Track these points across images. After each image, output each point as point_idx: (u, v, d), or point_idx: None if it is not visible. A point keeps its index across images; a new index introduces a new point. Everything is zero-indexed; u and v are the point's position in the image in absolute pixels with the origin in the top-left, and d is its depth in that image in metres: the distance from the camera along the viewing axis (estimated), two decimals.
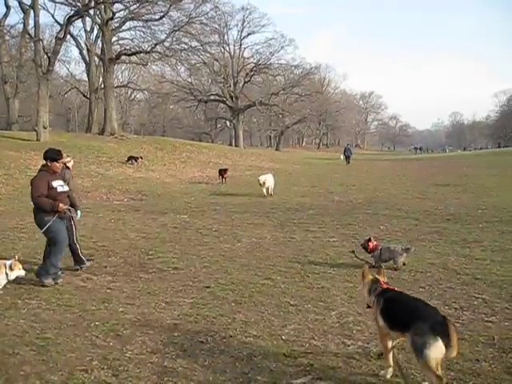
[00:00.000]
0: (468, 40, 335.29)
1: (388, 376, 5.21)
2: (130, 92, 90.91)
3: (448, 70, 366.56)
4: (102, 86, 51.38)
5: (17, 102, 50.54)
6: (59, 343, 6.13)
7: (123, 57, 51.99)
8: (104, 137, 45.02)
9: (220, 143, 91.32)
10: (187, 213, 17.31)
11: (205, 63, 69.23)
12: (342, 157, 56.26)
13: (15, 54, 52.65)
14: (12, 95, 49.28)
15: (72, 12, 43.37)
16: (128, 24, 51.73)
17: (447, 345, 4.50)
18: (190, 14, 50.80)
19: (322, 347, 6.00)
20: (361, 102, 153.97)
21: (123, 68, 78.90)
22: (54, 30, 54.73)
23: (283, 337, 6.31)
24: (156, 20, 49.71)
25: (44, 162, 9.17)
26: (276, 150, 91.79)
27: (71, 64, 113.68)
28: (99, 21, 47.59)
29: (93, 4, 43.50)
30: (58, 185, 8.86)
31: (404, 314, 4.95)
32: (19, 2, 44.32)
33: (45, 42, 49.84)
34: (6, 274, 8.06)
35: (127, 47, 53.45)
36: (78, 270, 9.64)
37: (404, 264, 9.55)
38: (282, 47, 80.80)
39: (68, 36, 46.12)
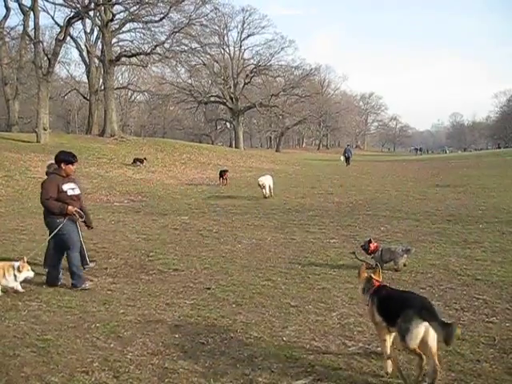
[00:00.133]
0: (468, 40, 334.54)
1: (389, 370, 5.27)
2: (130, 93, 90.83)
3: (448, 71, 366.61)
4: (102, 87, 51.39)
5: (17, 104, 50.57)
6: (60, 345, 6.12)
7: (123, 58, 52.00)
8: (104, 138, 45.04)
9: (220, 145, 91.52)
10: (188, 214, 17.32)
11: (205, 65, 69.27)
12: (342, 158, 56.22)
13: (15, 56, 52.65)
14: (12, 97, 49.32)
15: (72, 14, 43.38)
16: (128, 25, 51.80)
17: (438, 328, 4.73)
18: (190, 15, 50.80)
19: (322, 348, 6.00)
20: (361, 103, 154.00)
21: (123, 69, 78.94)
22: (53, 31, 54.83)
23: (284, 338, 6.31)
24: (156, 21, 49.73)
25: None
26: (276, 151, 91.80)
27: (71, 66, 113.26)
28: (99, 22, 47.61)
29: (93, 6, 43.57)
30: (69, 188, 8.79)
31: (396, 307, 5.13)
32: (19, 4, 44.39)
33: (45, 43, 49.85)
34: (15, 275, 8.08)
35: (127, 49, 53.44)
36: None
37: (405, 265, 9.55)
38: (282, 48, 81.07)
39: (68, 38, 46.14)
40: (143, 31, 52.17)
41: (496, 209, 16.84)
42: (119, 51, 52.29)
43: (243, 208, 18.71)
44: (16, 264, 8.17)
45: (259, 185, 21.38)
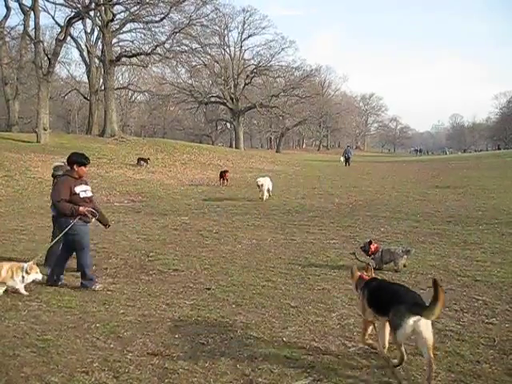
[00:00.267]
0: (468, 41, 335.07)
1: (367, 341, 5.91)
2: (130, 94, 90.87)
3: (448, 72, 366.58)
4: (103, 87, 51.38)
5: (17, 104, 50.57)
6: (60, 345, 6.12)
7: (123, 58, 52.02)
8: (104, 138, 45.05)
9: (220, 145, 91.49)
10: (188, 214, 17.32)
11: (205, 65, 69.31)
12: (342, 159, 56.23)
13: (15, 56, 52.67)
14: (12, 97, 49.32)
15: (72, 14, 43.35)
16: (128, 26, 51.83)
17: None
18: (191, 15, 50.81)
19: (322, 349, 6.00)
20: (361, 104, 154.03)
21: (123, 70, 79.02)
22: (54, 31, 54.91)
23: (284, 338, 6.31)
24: (156, 22, 49.75)
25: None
26: (276, 151, 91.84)
27: (71, 66, 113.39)
28: (99, 22, 47.61)
29: (93, 6, 43.55)
30: (81, 190, 8.76)
31: (386, 299, 5.48)
32: (19, 4, 44.36)
33: (45, 43, 49.85)
34: (23, 276, 8.07)
35: (127, 49, 53.45)
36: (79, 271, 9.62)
37: (404, 266, 9.57)
38: (282, 49, 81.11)
39: (68, 38, 46.12)
40: (144, 31, 52.25)
41: (496, 210, 16.86)
42: (119, 51, 52.31)
43: (243, 208, 18.71)
44: (25, 265, 8.16)
45: (258, 185, 21.14)
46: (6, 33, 48.84)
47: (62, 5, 45.70)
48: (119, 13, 49.16)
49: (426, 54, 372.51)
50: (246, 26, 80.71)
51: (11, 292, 8.13)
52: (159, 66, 60.57)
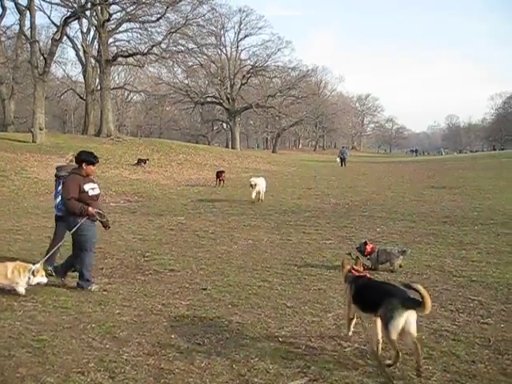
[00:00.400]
0: (464, 43, 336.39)
1: (349, 333, 6.28)
2: (126, 94, 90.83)
3: (445, 73, 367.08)
4: (99, 87, 51.41)
5: (13, 104, 50.57)
6: (55, 345, 6.11)
7: (120, 58, 52.03)
8: (100, 138, 45.01)
9: (217, 145, 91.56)
10: (184, 215, 17.31)
11: (201, 65, 69.20)
12: (338, 159, 56.28)
13: (11, 56, 52.58)
14: (8, 96, 49.32)
15: (68, 13, 43.31)
16: (125, 25, 51.79)
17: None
18: (187, 15, 50.82)
19: (318, 349, 6.00)
20: (357, 105, 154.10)
21: (120, 69, 78.88)
22: (50, 31, 54.90)
23: (280, 338, 6.31)
24: (153, 22, 49.72)
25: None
26: (273, 152, 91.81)
27: (67, 65, 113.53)
28: (96, 22, 47.57)
29: (89, 5, 43.55)
30: (90, 188, 8.77)
31: (374, 296, 5.65)
32: (15, 3, 44.35)
33: (41, 43, 49.75)
34: (29, 278, 8.04)
35: (124, 49, 53.39)
36: (75, 271, 9.60)
37: (400, 266, 9.59)
38: (278, 49, 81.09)
39: (64, 37, 46.11)
40: (140, 31, 52.20)
41: (491, 210, 16.89)
42: (116, 51, 52.32)
43: (239, 209, 18.71)
44: (32, 267, 8.13)
45: (251, 185, 20.52)
46: (1, 32, 48.97)
47: (58, 4, 45.78)
48: (115, 12, 49.17)
49: (422, 54, 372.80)
50: (242, 26, 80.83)
51: (7, 292, 8.11)
52: (155, 66, 60.69)
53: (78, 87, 72.35)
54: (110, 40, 51.49)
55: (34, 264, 8.32)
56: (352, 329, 6.27)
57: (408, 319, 5.25)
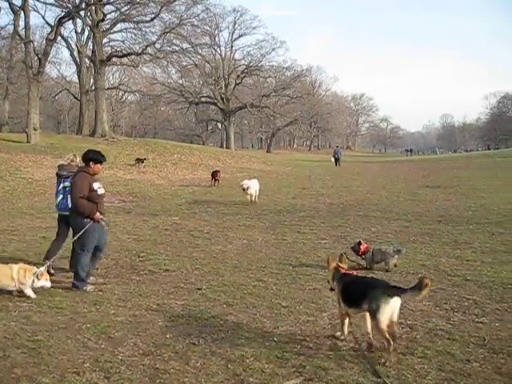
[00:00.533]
0: (458, 42, 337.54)
1: (342, 337, 6.21)
2: (120, 94, 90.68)
3: (439, 72, 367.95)
4: (93, 87, 51.32)
5: (7, 104, 50.45)
6: (51, 346, 6.11)
7: (114, 58, 51.91)
8: (95, 139, 44.88)
9: (211, 145, 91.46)
10: (178, 215, 17.30)
11: (196, 65, 69.10)
12: (332, 159, 56.32)
13: (5, 56, 52.41)
14: (2, 97, 49.24)
15: (63, 13, 43.24)
16: (119, 26, 51.66)
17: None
18: (181, 15, 50.72)
19: (313, 348, 6.01)
20: (352, 104, 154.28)
21: (114, 70, 78.77)
22: (44, 31, 54.75)
23: (275, 338, 6.31)
24: (147, 22, 49.61)
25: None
26: (267, 151, 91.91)
27: (62, 66, 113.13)
28: (90, 22, 47.47)
29: (83, 5, 43.48)
30: (98, 187, 8.81)
31: (358, 291, 5.86)
32: (9, 3, 44.17)
33: (35, 43, 49.60)
34: (33, 280, 8.02)
35: (118, 49, 53.24)
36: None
37: (395, 265, 9.61)
38: (273, 49, 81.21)
39: (59, 37, 46.09)
40: (134, 31, 52.06)
41: (486, 210, 16.93)
42: (110, 51, 52.17)
43: (234, 208, 18.71)
44: (37, 270, 8.10)
45: (243, 188, 19.97)
46: None
47: (52, 4, 45.70)
48: (110, 13, 49.03)
49: (417, 54, 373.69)
50: (236, 26, 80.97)
51: (2, 293, 8.09)
52: (150, 66, 60.56)
53: (73, 87, 72.23)
54: (105, 40, 51.37)
55: (37, 267, 8.31)
56: (346, 330, 6.25)
57: (394, 307, 5.51)
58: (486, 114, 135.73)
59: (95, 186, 8.72)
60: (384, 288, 5.65)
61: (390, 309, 5.50)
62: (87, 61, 52.80)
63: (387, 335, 5.49)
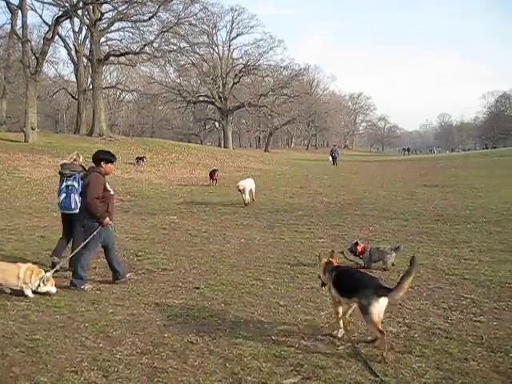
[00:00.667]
0: (455, 41, 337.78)
1: (339, 335, 6.26)
2: (118, 93, 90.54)
3: (437, 72, 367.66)
4: (91, 86, 51.16)
5: (4, 103, 50.31)
6: (49, 345, 6.11)
7: (112, 58, 51.78)
8: (92, 138, 44.78)
9: (209, 144, 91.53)
10: (176, 214, 17.31)
11: (193, 64, 69.14)
12: (330, 158, 56.38)
13: (3, 55, 52.35)
14: (0, 96, 49.01)
15: (60, 12, 43.06)
16: (116, 25, 51.49)
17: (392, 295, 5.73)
18: (179, 14, 50.63)
19: (311, 347, 6.01)
20: (349, 103, 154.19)
21: (112, 69, 78.82)
22: (42, 30, 54.56)
23: (273, 337, 6.32)
24: (145, 21, 49.49)
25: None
26: (265, 151, 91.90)
27: (59, 65, 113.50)
28: (87, 21, 47.33)
29: (81, 4, 43.30)
30: (110, 188, 8.86)
31: (351, 283, 6.10)
32: (7, 3, 44.00)
33: (33, 42, 49.58)
34: (39, 285, 8.00)
35: (116, 48, 53.16)
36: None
37: (393, 264, 9.62)
38: (270, 48, 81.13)
39: (56, 37, 45.83)
40: (132, 30, 51.94)
41: (484, 209, 16.95)
42: (108, 50, 52.06)
43: (232, 207, 18.72)
44: (44, 275, 8.07)
45: (239, 190, 19.59)
46: None
47: (49, 3, 45.45)
48: (107, 12, 48.91)
49: (415, 53, 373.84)
50: (234, 25, 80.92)
51: (1, 291, 8.10)
52: (147, 65, 60.39)
53: (70, 86, 72.11)
54: (102, 39, 51.29)
55: (45, 270, 8.31)
56: (342, 326, 6.34)
57: (383, 304, 5.71)
58: (484, 113, 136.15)
59: (108, 186, 8.76)
60: (374, 288, 5.81)
61: (380, 307, 5.68)
62: (85, 60, 52.63)
63: (379, 327, 5.67)
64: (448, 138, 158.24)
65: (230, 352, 5.87)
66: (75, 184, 9.86)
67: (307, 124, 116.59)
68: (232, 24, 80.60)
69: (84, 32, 53.09)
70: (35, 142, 36.52)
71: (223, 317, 7.06)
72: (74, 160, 10.19)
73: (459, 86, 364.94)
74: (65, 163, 10.20)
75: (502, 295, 7.82)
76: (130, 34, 52.68)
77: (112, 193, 8.94)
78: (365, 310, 5.70)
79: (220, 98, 78.55)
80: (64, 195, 9.81)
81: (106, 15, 48.75)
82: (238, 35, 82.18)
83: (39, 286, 7.99)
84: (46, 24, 46.28)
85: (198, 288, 8.50)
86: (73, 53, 53.83)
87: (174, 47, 54.28)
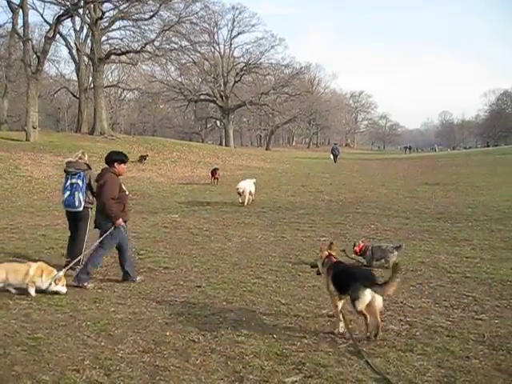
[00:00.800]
0: (455, 41, 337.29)
1: (341, 330, 6.38)
2: (119, 92, 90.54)
3: (438, 70, 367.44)
4: (92, 85, 51.15)
5: (6, 102, 50.32)
6: (50, 343, 6.11)
7: (113, 56, 51.70)
8: (94, 137, 44.75)
9: (210, 143, 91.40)
10: (178, 212, 17.31)
11: (195, 63, 69.16)
12: (331, 156, 56.39)
13: (4, 54, 52.30)
14: (1, 95, 49.12)
15: (61, 11, 43.05)
16: (118, 23, 51.50)
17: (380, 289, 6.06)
18: (180, 13, 50.57)
19: (313, 345, 6.02)
20: (351, 102, 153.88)
21: (113, 68, 78.63)
22: (43, 29, 54.52)
23: (275, 335, 6.32)
24: (146, 19, 49.44)
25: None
26: (266, 149, 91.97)
27: (61, 64, 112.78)
28: (88, 20, 47.26)
29: (82, 3, 43.27)
30: (124, 188, 8.90)
31: (346, 280, 6.34)
32: (8, 2, 43.99)
33: (34, 41, 49.51)
34: (50, 284, 8.00)
35: (117, 47, 53.07)
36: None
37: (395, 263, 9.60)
38: (272, 47, 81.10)
39: (57, 35, 45.85)
40: (133, 29, 51.87)
41: (485, 207, 16.92)
42: (109, 49, 52.00)
43: (233, 206, 18.71)
44: (56, 275, 8.08)
45: (238, 192, 19.02)
46: None
47: (50, 2, 45.45)
48: (108, 10, 48.88)
49: (416, 52, 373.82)
50: (235, 23, 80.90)
51: (2, 291, 8.09)
52: (149, 64, 60.32)
53: (71, 85, 72.00)
54: (103, 38, 51.22)
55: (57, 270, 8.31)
56: (342, 319, 6.44)
57: (373, 296, 6.01)
58: (485, 111, 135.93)
59: (123, 186, 8.81)
60: (363, 280, 6.12)
61: (367, 300, 6.01)
62: (86, 59, 52.60)
63: (364, 311, 6.08)
64: (449, 136, 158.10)
65: (231, 350, 5.88)
66: (79, 182, 9.87)
67: (308, 122, 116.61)
68: (233, 22, 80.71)
69: (85, 31, 53.10)
70: (36, 141, 36.51)
71: (225, 315, 7.07)
72: (80, 158, 10.23)
73: (460, 84, 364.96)
74: (70, 161, 10.23)
75: (503, 293, 7.82)
76: (131, 33, 52.67)
77: (127, 193, 8.97)
78: (353, 303, 6.14)
79: (221, 96, 78.53)
80: (68, 193, 9.84)
81: (107, 14, 48.71)
82: (239, 34, 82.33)
83: (50, 284, 7.99)
84: (47, 23, 46.38)
85: (199, 286, 8.51)
86: (74, 52, 53.83)
87: (175, 46, 54.27)
